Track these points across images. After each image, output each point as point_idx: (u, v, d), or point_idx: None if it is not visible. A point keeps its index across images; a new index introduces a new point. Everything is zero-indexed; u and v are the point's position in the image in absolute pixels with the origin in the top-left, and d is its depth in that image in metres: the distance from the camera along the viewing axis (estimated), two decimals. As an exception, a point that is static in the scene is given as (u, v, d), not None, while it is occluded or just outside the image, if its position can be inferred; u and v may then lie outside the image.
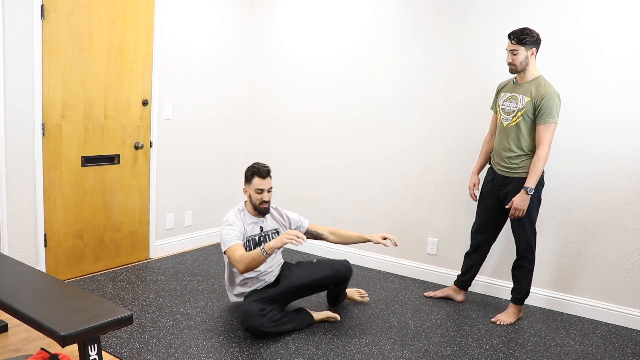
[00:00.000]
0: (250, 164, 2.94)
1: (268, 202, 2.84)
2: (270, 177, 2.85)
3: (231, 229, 2.72)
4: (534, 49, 2.83)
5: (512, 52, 2.82)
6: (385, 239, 2.86)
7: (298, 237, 2.48)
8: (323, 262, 2.97)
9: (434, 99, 3.62)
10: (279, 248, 2.53)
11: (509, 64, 2.86)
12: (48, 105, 3.08)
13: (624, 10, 2.95)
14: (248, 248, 2.79)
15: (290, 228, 3.02)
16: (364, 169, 3.98)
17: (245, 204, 2.91)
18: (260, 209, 2.84)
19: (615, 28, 2.98)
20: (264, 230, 2.90)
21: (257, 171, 2.81)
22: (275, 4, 4.31)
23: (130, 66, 3.52)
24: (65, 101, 3.17)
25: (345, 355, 2.54)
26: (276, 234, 2.94)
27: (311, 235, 3.05)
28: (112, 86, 3.42)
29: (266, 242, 2.83)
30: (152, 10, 3.61)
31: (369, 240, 2.93)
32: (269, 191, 2.83)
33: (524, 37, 2.78)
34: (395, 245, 2.85)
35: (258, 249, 2.54)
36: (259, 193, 2.80)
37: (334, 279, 2.91)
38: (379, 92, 3.85)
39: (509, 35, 2.84)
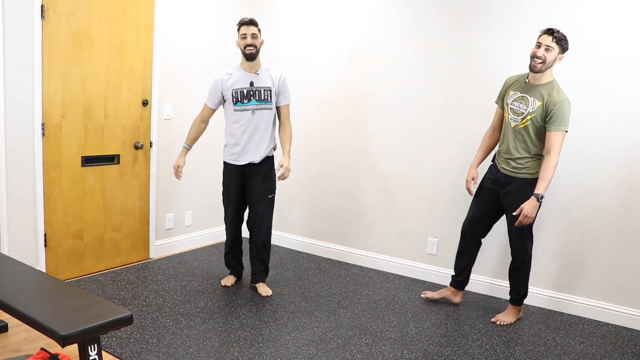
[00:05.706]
0: None
1: (252, 45, 3.06)
2: (256, 26, 3.09)
3: (210, 89, 3.20)
4: (562, 56, 2.76)
5: (547, 48, 2.71)
6: (281, 166, 3.10)
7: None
8: (266, 219, 3.28)
9: (434, 98, 3.62)
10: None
11: (538, 57, 2.72)
12: (48, 105, 3.08)
13: (624, 10, 2.95)
14: (235, 99, 3.12)
15: (273, 90, 3.17)
16: (364, 169, 3.98)
17: (241, 60, 3.17)
18: (246, 54, 3.07)
19: (615, 28, 2.98)
20: (255, 85, 3.12)
21: (241, 20, 3.10)
22: (275, 4, 4.31)
23: (130, 66, 3.52)
24: (65, 101, 3.17)
25: (345, 355, 2.54)
26: (269, 92, 3.14)
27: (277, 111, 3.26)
28: (112, 86, 3.42)
29: (255, 97, 3.12)
30: (152, 10, 3.61)
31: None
32: (253, 37, 3.06)
33: (562, 40, 2.71)
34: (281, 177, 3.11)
35: (189, 137, 3.29)
36: (242, 38, 3.07)
37: (256, 244, 3.30)
38: (379, 92, 3.85)
39: (550, 30, 2.71)
